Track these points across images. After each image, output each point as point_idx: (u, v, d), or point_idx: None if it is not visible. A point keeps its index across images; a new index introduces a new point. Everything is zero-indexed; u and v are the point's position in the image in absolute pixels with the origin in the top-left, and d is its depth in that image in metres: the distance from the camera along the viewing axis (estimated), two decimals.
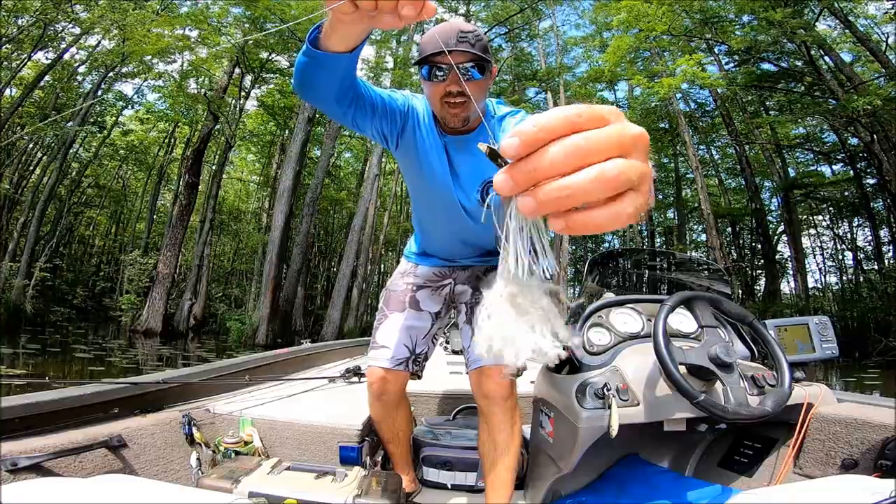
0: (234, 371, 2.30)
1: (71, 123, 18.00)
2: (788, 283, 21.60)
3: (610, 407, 1.29)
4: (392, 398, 1.73)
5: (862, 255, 21.17)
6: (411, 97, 1.47)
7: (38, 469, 1.16)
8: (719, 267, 1.85)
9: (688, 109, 21.62)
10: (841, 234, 23.24)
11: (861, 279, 20.12)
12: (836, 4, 13.44)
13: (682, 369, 1.26)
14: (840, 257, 23.45)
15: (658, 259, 1.95)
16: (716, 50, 18.35)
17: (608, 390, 1.32)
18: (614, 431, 1.26)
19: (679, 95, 18.69)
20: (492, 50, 1.61)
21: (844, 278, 23.03)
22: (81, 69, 18.69)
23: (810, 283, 22.18)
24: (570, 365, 1.50)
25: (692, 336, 1.52)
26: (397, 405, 1.78)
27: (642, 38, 15.60)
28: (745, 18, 15.26)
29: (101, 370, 8.50)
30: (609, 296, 1.68)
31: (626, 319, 1.60)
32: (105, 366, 9.14)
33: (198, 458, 1.60)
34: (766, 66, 17.92)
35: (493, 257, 1.75)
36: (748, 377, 1.35)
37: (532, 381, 1.76)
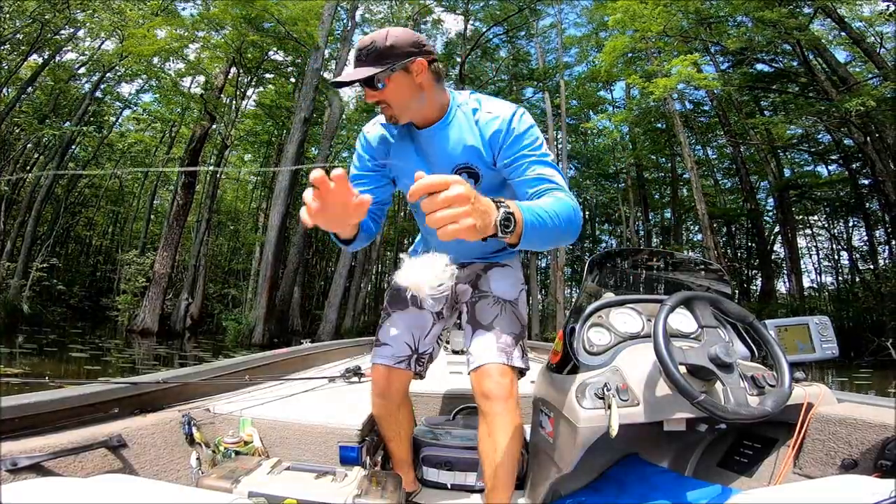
0: (234, 371, 2.29)
1: (67, 123, 17.95)
2: (785, 283, 21.69)
3: (610, 407, 1.29)
4: (395, 396, 1.74)
5: (857, 256, 21.26)
6: (366, 132, 1.59)
7: (37, 469, 1.16)
8: (719, 267, 1.85)
9: (683, 110, 21.65)
10: (836, 234, 23.34)
11: (857, 279, 20.19)
12: (830, 4, 13.47)
13: (682, 369, 1.26)
14: (836, 257, 23.56)
15: (657, 259, 1.95)
16: (712, 50, 18.40)
17: (608, 390, 1.32)
18: (614, 431, 1.25)
19: (675, 96, 18.70)
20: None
21: (840, 278, 23.12)
22: (81, 70, 18.63)
23: (806, 283, 22.27)
24: (570, 365, 1.50)
25: (692, 336, 1.52)
26: (400, 404, 1.78)
27: (638, 38, 15.60)
28: (741, 18, 15.29)
29: (97, 369, 8.48)
30: (609, 295, 1.67)
31: (626, 319, 1.59)
32: (101, 365, 9.12)
33: (198, 458, 1.60)
34: (761, 66, 17.98)
35: (495, 255, 1.76)
36: (748, 377, 1.35)
37: (532, 381, 1.76)
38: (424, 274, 1.28)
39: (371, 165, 1.58)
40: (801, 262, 21.68)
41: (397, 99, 1.38)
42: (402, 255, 1.36)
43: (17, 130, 17.95)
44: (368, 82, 1.35)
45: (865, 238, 20.53)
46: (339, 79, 1.38)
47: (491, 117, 1.43)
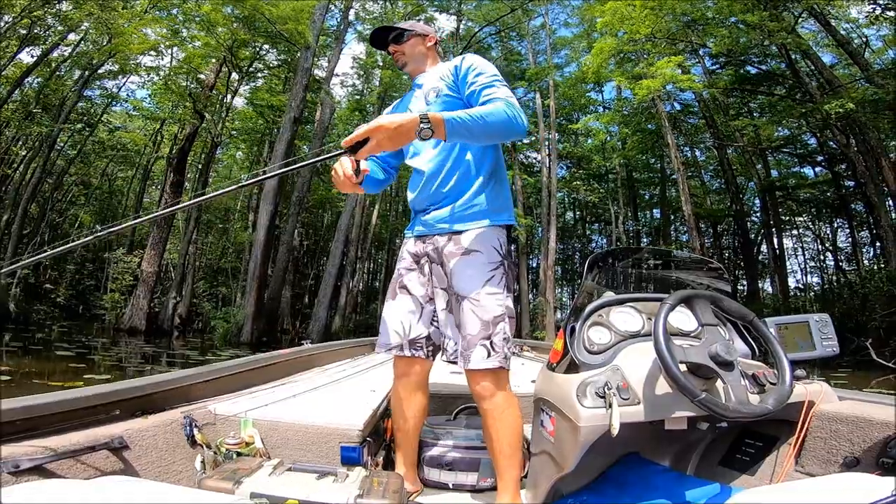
0: (236, 372, 2.28)
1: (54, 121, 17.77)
2: (773, 283, 21.87)
3: (611, 406, 1.29)
4: (402, 382, 1.83)
5: (842, 257, 21.50)
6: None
7: (39, 471, 1.15)
8: (719, 265, 1.86)
9: (672, 111, 21.76)
10: (822, 235, 23.58)
11: (841, 280, 20.39)
12: (816, 7, 13.58)
13: (683, 368, 1.27)
14: (822, 258, 23.81)
15: (657, 258, 1.96)
16: (700, 52, 18.50)
17: (609, 389, 1.33)
18: (615, 430, 1.26)
19: (664, 97, 18.80)
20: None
21: (825, 278, 23.37)
22: (66, 66, 18.41)
23: (793, 284, 22.48)
24: (570, 364, 1.50)
25: (693, 334, 1.52)
26: (410, 393, 1.83)
27: (625, 40, 15.65)
28: (730, 20, 15.38)
29: (83, 367, 8.38)
30: (609, 294, 1.68)
31: (627, 318, 1.60)
32: (88, 364, 9.01)
33: (202, 461, 1.59)
34: (750, 68, 18.12)
35: (463, 216, 1.75)
36: (749, 375, 1.36)
37: (533, 381, 1.76)
38: None
39: None
40: (788, 262, 21.94)
41: (411, 52, 1.91)
42: None
43: (3, 127, 17.70)
44: (397, 38, 1.90)
45: (850, 239, 20.80)
46: (377, 27, 1.95)
47: (454, 63, 1.80)
